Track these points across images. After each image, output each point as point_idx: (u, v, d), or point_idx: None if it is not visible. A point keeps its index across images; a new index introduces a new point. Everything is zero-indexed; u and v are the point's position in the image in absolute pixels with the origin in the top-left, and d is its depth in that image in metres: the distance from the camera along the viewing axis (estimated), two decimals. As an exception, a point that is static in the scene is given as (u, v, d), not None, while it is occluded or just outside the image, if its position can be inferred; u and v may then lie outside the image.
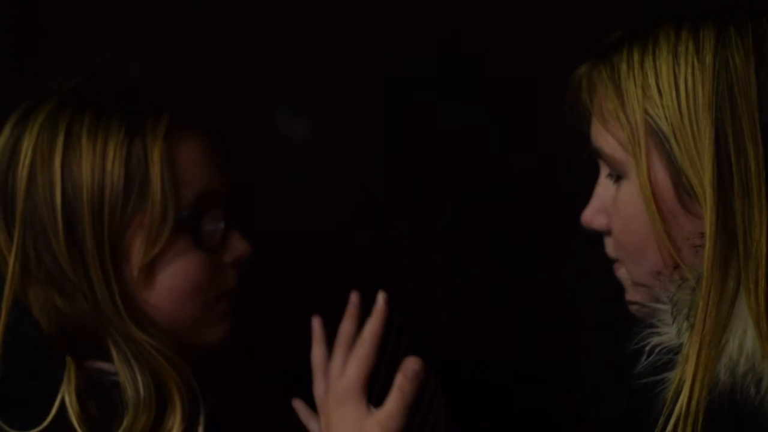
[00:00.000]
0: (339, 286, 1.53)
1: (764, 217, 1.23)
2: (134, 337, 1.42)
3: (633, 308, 1.37)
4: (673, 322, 1.25)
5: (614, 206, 1.36)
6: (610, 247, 1.39)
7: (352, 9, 1.91)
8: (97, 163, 1.43)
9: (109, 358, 1.43)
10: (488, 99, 1.92)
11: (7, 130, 1.47)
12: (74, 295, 1.42)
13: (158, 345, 1.43)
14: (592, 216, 1.39)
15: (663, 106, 1.28)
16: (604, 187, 1.38)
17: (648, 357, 1.25)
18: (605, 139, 1.34)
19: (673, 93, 1.28)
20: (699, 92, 1.26)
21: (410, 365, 1.40)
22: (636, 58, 1.31)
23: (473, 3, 1.93)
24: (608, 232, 1.38)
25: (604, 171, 1.38)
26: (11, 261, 1.43)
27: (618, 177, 1.35)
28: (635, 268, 1.36)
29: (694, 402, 1.19)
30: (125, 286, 1.44)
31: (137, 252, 1.44)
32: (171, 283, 1.46)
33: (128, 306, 1.44)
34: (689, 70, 1.27)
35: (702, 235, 1.26)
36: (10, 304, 1.42)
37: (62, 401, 1.39)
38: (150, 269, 1.45)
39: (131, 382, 1.42)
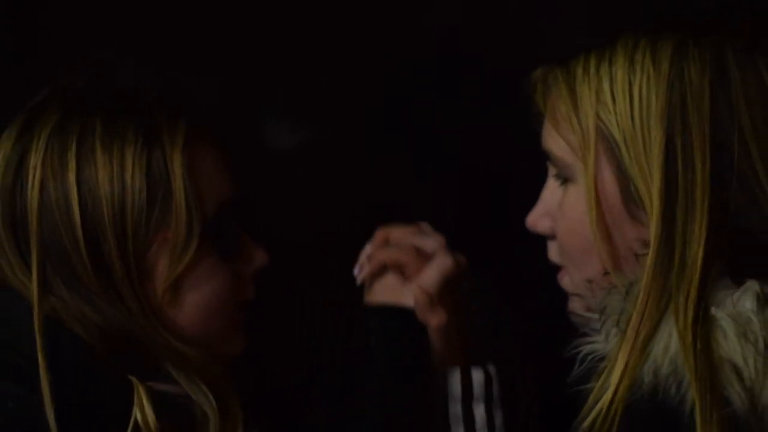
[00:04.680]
0: (339, 288, 1.52)
1: (704, 231, 1.22)
2: (179, 350, 1.37)
3: (573, 319, 1.37)
4: (600, 327, 1.25)
5: (560, 210, 1.36)
6: (553, 251, 1.39)
7: (353, 9, 1.91)
8: (116, 176, 1.34)
9: (166, 379, 1.37)
10: (488, 99, 1.92)
11: (7, 146, 1.38)
12: (106, 310, 1.35)
13: (202, 356, 1.39)
14: (537, 219, 1.40)
15: (615, 113, 1.27)
16: (551, 190, 1.38)
17: (580, 365, 1.25)
18: (556, 142, 1.34)
19: (627, 100, 1.27)
20: (652, 101, 1.26)
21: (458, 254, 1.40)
22: (592, 63, 1.30)
23: (473, 2, 1.93)
24: (553, 236, 1.38)
25: (552, 173, 1.38)
26: (33, 288, 1.35)
27: (565, 180, 1.35)
28: (577, 274, 1.35)
29: (614, 407, 1.19)
30: (153, 305, 1.37)
31: (162, 270, 1.37)
32: (198, 299, 1.40)
33: (161, 322, 1.38)
34: (644, 79, 1.26)
35: (644, 243, 1.25)
36: (42, 329, 1.33)
37: (135, 423, 1.32)
38: (176, 287, 1.38)
39: (201, 395, 1.37)
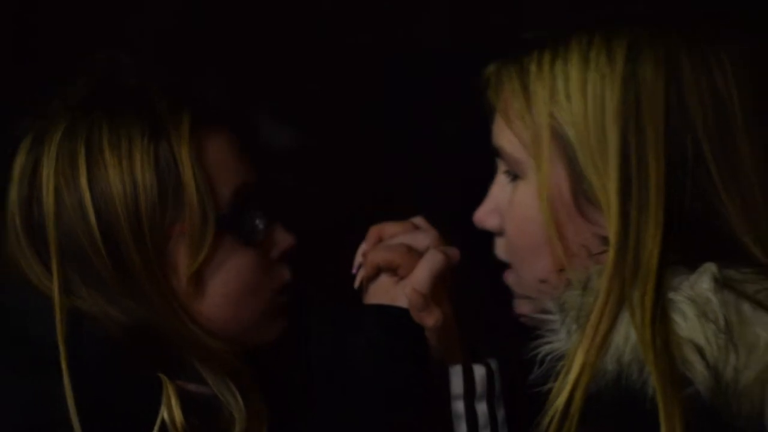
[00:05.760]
0: (339, 288, 1.52)
1: (659, 230, 1.22)
2: (206, 344, 1.38)
3: (523, 321, 1.36)
4: (561, 325, 1.25)
5: (509, 207, 1.35)
6: (500, 248, 1.38)
7: (353, 9, 1.92)
8: (125, 174, 1.35)
9: (195, 379, 1.37)
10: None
11: (21, 158, 1.39)
12: (131, 309, 1.35)
13: (230, 351, 1.38)
14: (485, 216, 1.39)
15: (569, 111, 1.27)
16: (499, 187, 1.38)
17: (540, 366, 1.25)
18: (507, 138, 1.34)
19: (581, 99, 1.27)
20: (607, 100, 1.26)
21: (448, 247, 1.39)
22: (546, 60, 1.30)
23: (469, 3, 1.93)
24: (501, 233, 1.38)
25: (502, 169, 1.37)
26: (55, 292, 1.35)
27: (515, 177, 1.34)
28: (524, 272, 1.35)
29: (574, 405, 1.19)
30: (178, 299, 1.38)
31: (183, 262, 1.37)
32: (223, 288, 1.40)
33: (188, 316, 1.38)
34: (598, 78, 1.26)
35: (600, 240, 1.25)
36: (65, 334, 1.33)
37: (162, 422, 1.32)
38: (199, 278, 1.38)
39: (228, 395, 1.37)
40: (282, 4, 1.92)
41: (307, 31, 1.93)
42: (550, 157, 1.29)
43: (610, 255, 1.23)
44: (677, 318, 1.19)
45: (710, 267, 1.21)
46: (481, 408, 1.40)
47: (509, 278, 1.38)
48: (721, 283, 1.20)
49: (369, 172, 1.93)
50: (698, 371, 1.17)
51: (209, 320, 1.40)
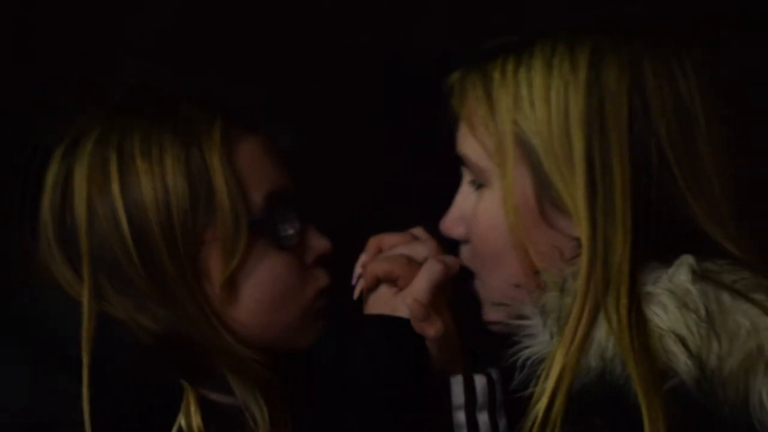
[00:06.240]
0: (339, 288, 1.52)
1: (628, 234, 1.23)
2: (238, 353, 1.37)
3: (495, 328, 1.36)
4: (543, 326, 1.25)
5: (474, 215, 1.35)
6: (466, 256, 1.39)
7: (353, 9, 1.91)
8: (157, 182, 1.36)
9: (220, 388, 1.37)
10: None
11: (54, 166, 1.40)
12: (163, 317, 1.35)
13: (260, 359, 1.38)
14: (451, 224, 1.39)
15: (533, 118, 1.28)
16: (464, 195, 1.38)
17: (521, 371, 1.25)
18: (471, 146, 1.34)
19: (545, 106, 1.27)
20: (571, 107, 1.26)
21: (447, 257, 1.39)
22: (510, 67, 1.30)
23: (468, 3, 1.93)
24: (467, 241, 1.38)
25: (467, 178, 1.38)
26: (85, 300, 1.36)
27: (480, 185, 1.35)
28: (491, 280, 1.35)
29: (556, 406, 1.19)
30: (211, 306, 1.38)
31: (216, 268, 1.37)
32: (258, 293, 1.40)
33: (221, 324, 1.38)
34: (562, 84, 1.27)
35: (569, 245, 1.26)
36: (90, 343, 1.33)
37: (179, 429, 1.32)
38: (232, 284, 1.38)
39: (255, 405, 1.37)
40: (282, 4, 1.92)
41: (307, 31, 1.93)
42: (514, 165, 1.29)
43: (583, 260, 1.24)
44: (658, 310, 1.20)
45: (687, 259, 1.22)
46: (483, 418, 1.39)
47: (476, 286, 1.38)
48: (699, 275, 1.21)
49: (369, 172, 1.92)
50: (681, 361, 1.17)
51: (243, 326, 1.39)
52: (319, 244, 1.46)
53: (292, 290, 1.42)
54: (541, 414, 1.20)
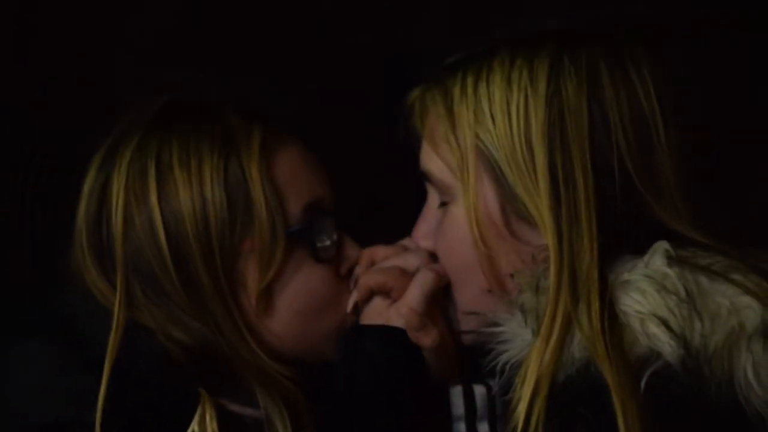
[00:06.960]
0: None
1: (593, 242, 1.23)
2: (267, 367, 1.37)
3: (467, 338, 1.36)
4: (525, 325, 1.25)
5: (440, 230, 1.36)
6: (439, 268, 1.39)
7: (353, 9, 1.91)
8: (195, 192, 1.35)
9: (242, 400, 1.37)
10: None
11: (92, 174, 1.40)
12: (194, 329, 1.35)
13: (289, 374, 1.38)
14: (419, 239, 1.40)
15: (494, 132, 1.28)
16: (430, 209, 1.39)
17: (501, 376, 1.26)
18: (434, 163, 1.35)
19: (506, 120, 1.27)
20: (532, 119, 1.26)
21: (438, 265, 1.39)
22: (470, 82, 1.30)
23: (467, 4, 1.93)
24: (435, 254, 1.39)
25: (432, 195, 1.38)
26: (116, 309, 1.35)
27: (444, 202, 1.35)
28: (460, 291, 1.36)
29: (537, 407, 1.20)
30: (245, 317, 1.37)
31: (252, 279, 1.37)
32: (293, 304, 1.40)
33: (253, 337, 1.37)
34: (522, 97, 1.27)
35: (542, 253, 1.26)
36: (116, 351, 1.33)
37: None
38: (269, 294, 1.38)
39: (278, 418, 1.37)
40: (282, 4, 1.92)
41: (307, 31, 1.93)
42: (477, 179, 1.30)
43: (551, 270, 1.24)
44: (637, 296, 1.21)
45: (662, 245, 1.24)
46: (483, 428, 1.39)
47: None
48: (675, 259, 1.22)
49: (369, 172, 1.92)
50: (665, 342, 1.18)
51: (277, 338, 1.39)
52: (354, 254, 1.46)
53: (327, 301, 1.42)
54: (521, 419, 1.20)
